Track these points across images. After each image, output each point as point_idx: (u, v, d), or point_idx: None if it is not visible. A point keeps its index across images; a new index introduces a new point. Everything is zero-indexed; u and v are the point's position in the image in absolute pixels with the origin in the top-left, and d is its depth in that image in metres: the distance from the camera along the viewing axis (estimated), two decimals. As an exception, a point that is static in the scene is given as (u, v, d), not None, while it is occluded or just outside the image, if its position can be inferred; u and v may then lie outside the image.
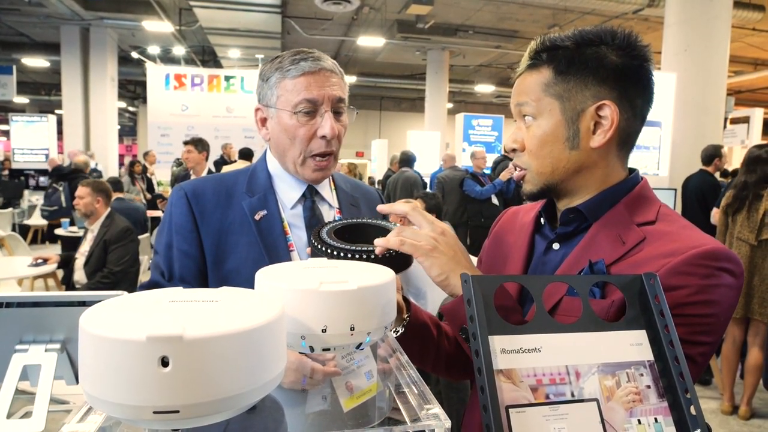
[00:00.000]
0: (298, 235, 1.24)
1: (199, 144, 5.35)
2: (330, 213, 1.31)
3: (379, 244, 0.86)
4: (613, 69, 0.90)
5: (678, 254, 0.82)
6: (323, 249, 0.88)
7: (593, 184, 0.95)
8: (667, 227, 0.89)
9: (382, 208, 0.97)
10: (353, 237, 0.95)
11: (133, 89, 21.49)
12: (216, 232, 1.20)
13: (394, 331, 0.99)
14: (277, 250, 1.19)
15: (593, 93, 0.91)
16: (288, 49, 1.27)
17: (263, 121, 1.28)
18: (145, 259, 4.35)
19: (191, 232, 1.20)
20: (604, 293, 0.85)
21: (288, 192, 1.28)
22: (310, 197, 1.29)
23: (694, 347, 0.81)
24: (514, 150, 0.98)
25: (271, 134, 1.26)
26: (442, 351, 1.09)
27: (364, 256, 0.86)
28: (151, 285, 1.18)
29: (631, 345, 0.68)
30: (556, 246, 0.99)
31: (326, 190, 1.34)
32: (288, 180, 1.29)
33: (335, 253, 0.86)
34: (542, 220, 1.04)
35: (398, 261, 0.87)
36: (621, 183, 0.95)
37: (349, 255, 0.86)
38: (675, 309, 0.78)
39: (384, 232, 0.97)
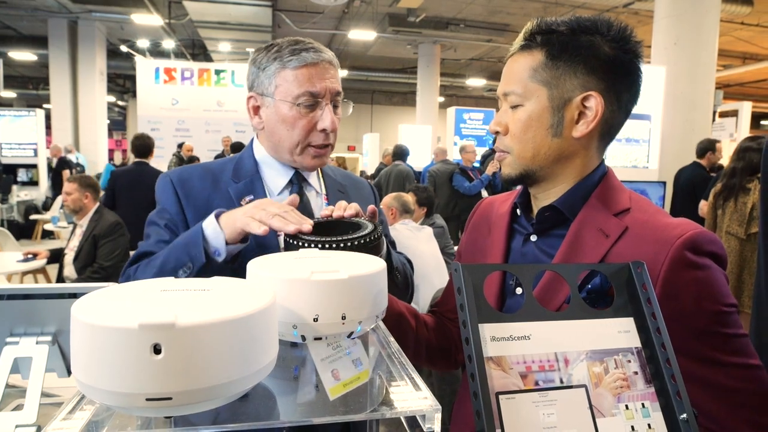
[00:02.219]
0: None
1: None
2: (317, 200, 1.32)
3: None
4: (604, 60, 0.91)
5: (664, 247, 0.84)
6: (294, 243, 0.89)
7: (570, 174, 0.96)
8: (642, 215, 0.91)
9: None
10: (326, 234, 0.96)
11: (122, 83, 21.31)
12: (203, 215, 1.21)
13: None
14: (266, 239, 1.19)
15: (581, 82, 0.91)
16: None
17: (256, 110, 1.27)
18: (136, 254, 4.32)
19: (178, 215, 1.22)
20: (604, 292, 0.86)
21: (275, 178, 1.29)
22: (298, 183, 1.30)
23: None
24: (497, 133, 0.98)
25: (266, 123, 1.25)
26: (422, 340, 1.10)
27: (334, 246, 0.87)
28: (139, 256, 1.17)
29: (619, 332, 0.69)
30: (533, 238, 1.00)
31: (313, 177, 1.34)
32: (275, 166, 1.29)
33: (305, 246, 0.87)
34: (518, 212, 1.04)
35: (365, 250, 0.88)
36: (590, 175, 0.96)
37: (319, 246, 0.87)
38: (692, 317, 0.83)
39: (356, 227, 0.98)
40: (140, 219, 1.24)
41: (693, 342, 0.83)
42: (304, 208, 1.26)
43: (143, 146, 5.17)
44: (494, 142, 1.03)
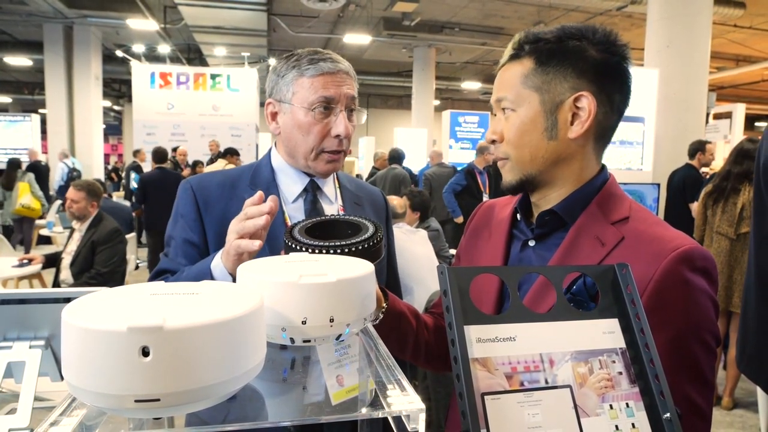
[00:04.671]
0: None
1: None
2: (331, 208, 1.34)
3: None
4: (592, 63, 0.93)
5: (658, 259, 0.85)
6: (294, 246, 0.89)
7: (569, 178, 0.97)
8: (640, 225, 0.92)
9: None
10: (325, 234, 0.96)
11: (118, 88, 21.28)
12: (219, 222, 1.23)
13: (373, 318, 1.01)
14: (277, 241, 1.22)
15: (572, 85, 0.93)
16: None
17: (273, 116, 1.31)
18: (132, 259, 4.33)
19: (195, 221, 1.24)
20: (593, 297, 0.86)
21: (290, 186, 1.32)
22: (312, 191, 1.31)
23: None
24: (493, 141, 1.00)
25: (283, 129, 1.29)
26: (421, 341, 1.11)
27: (332, 251, 0.88)
28: (159, 272, 1.22)
29: (604, 333, 0.70)
30: (531, 243, 1.00)
31: (329, 186, 1.36)
32: (291, 174, 1.32)
33: (305, 249, 0.88)
34: (518, 216, 1.05)
35: (367, 254, 0.89)
36: (591, 181, 0.97)
37: (317, 251, 0.88)
38: (684, 337, 0.84)
39: (355, 227, 0.99)
40: (166, 210, 1.30)
41: (662, 356, 0.84)
42: (318, 215, 1.28)
43: (161, 155, 7.30)
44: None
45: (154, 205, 6.70)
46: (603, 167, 1.01)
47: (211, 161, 9.30)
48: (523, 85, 0.94)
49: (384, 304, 1.03)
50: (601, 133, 0.97)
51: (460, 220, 6.39)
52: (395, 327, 1.05)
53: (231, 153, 8.23)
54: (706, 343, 0.86)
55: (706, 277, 0.86)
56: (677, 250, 0.85)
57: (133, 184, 8.90)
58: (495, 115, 1.02)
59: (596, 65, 0.93)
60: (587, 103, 0.92)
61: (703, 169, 5.51)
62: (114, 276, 3.93)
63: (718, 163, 7.49)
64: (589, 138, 0.96)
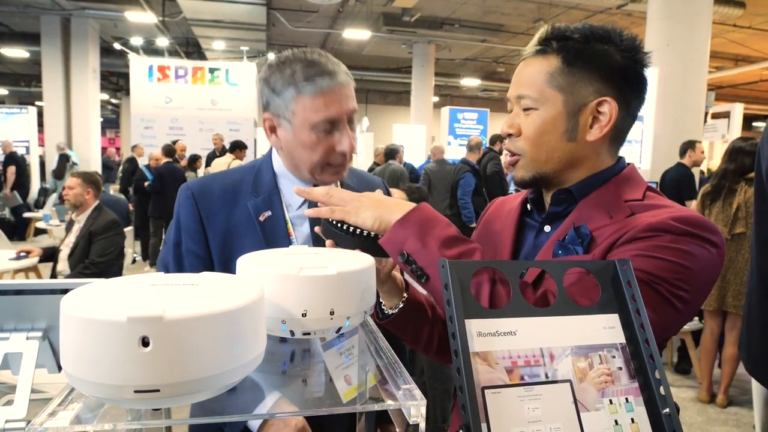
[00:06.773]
0: (302, 235, 1.25)
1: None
2: None
3: (309, 214, 0.92)
4: (617, 69, 0.94)
5: (660, 216, 0.86)
6: (341, 227, 0.90)
7: (581, 177, 0.98)
8: (653, 201, 0.93)
9: (299, 191, 1.00)
10: None
11: (115, 81, 21.18)
12: (222, 232, 1.22)
13: (393, 307, 1.03)
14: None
15: (596, 89, 0.94)
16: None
17: (273, 129, 1.27)
18: (129, 252, 4.32)
19: (198, 233, 1.22)
20: (589, 250, 0.89)
21: (293, 192, 1.26)
22: None
23: (675, 288, 0.82)
24: (509, 135, 1.00)
25: (285, 144, 1.25)
26: (436, 333, 1.12)
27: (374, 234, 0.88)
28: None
29: (604, 328, 0.70)
30: (547, 228, 1.01)
31: None
32: (293, 180, 1.29)
33: (350, 229, 0.89)
34: (529, 207, 1.06)
35: None
36: (609, 168, 0.99)
37: (365, 232, 0.88)
38: (653, 251, 0.82)
39: None
40: (173, 201, 1.28)
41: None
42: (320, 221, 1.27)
43: (171, 150, 8.38)
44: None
45: (165, 195, 7.51)
46: (620, 159, 1.02)
47: (214, 155, 9.24)
48: (548, 83, 0.94)
49: (405, 294, 1.05)
50: (617, 135, 0.98)
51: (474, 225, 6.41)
52: (413, 317, 1.06)
53: (238, 147, 8.05)
54: (679, 297, 0.84)
55: (709, 243, 0.85)
56: (680, 212, 0.86)
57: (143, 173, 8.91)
58: (511, 110, 1.01)
59: (620, 71, 0.94)
60: (609, 108, 0.93)
61: (696, 168, 5.54)
62: (110, 269, 3.91)
63: (714, 163, 7.49)
64: (605, 141, 0.97)
